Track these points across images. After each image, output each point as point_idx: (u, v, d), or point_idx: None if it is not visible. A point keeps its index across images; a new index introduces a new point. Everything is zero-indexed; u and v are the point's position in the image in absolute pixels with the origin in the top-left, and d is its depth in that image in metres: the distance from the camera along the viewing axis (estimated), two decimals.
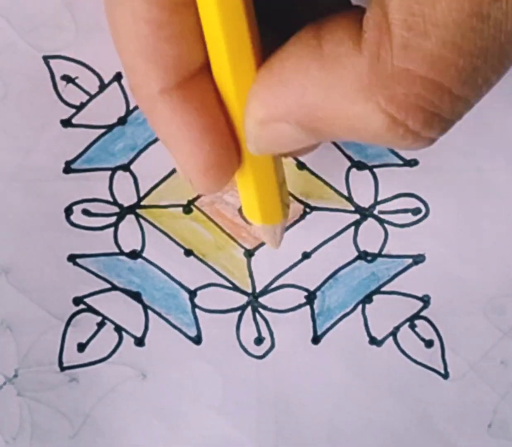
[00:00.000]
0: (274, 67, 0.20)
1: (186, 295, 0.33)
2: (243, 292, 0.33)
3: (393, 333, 0.33)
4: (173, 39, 0.21)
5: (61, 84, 0.32)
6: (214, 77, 0.22)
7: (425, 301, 0.33)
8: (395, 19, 0.18)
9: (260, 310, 0.33)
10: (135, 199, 0.33)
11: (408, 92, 0.19)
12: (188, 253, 0.33)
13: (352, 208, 0.33)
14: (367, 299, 0.33)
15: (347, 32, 0.19)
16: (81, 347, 0.33)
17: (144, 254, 0.33)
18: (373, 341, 0.33)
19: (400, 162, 0.33)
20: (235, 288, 0.33)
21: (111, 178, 0.33)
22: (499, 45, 0.18)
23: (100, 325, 0.33)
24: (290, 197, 0.33)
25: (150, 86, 0.22)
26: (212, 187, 0.24)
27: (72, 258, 0.33)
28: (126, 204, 0.33)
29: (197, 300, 0.33)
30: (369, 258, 0.33)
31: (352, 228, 0.33)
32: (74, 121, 0.32)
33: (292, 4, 0.24)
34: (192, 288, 0.33)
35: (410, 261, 0.33)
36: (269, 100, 0.20)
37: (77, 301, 0.33)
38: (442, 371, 0.33)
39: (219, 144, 0.23)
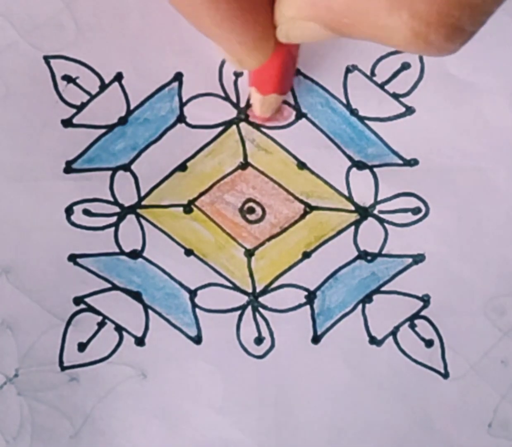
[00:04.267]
0: None
1: (186, 295, 0.33)
2: (243, 292, 0.33)
3: (393, 333, 0.33)
4: None
5: (61, 84, 0.32)
6: None
7: (425, 300, 0.33)
8: None
9: (260, 309, 0.33)
10: (135, 199, 0.33)
11: (430, 7, 0.19)
12: (189, 252, 0.33)
13: (352, 208, 0.33)
14: (367, 298, 0.33)
15: None
16: (82, 347, 0.33)
17: (144, 254, 0.33)
18: (373, 340, 0.33)
19: (400, 162, 0.33)
20: (235, 288, 0.33)
21: (112, 178, 0.33)
22: None
23: (101, 324, 0.33)
24: (290, 197, 0.33)
25: None
26: (261, 62, 0.27)
27: (72, 258, 0.33)
28: (126, 204, 0.33)
29: (197, 300, 0.33)
30: (369, 258, 0.33)
31: (352, 228, 0.33)
32: (74, 121, 0.32)
33: None
34: (192, 287, 0.33)
35: (410, 260, 0.33)
36: (299, 2, 0.22)
37: (77, 300, 0.33)
38: (442, 371, 0.33)
39: (265, 23, 0.25)
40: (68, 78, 0.32)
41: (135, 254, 0.33)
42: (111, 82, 0.32)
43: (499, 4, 0.21)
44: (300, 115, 0.33)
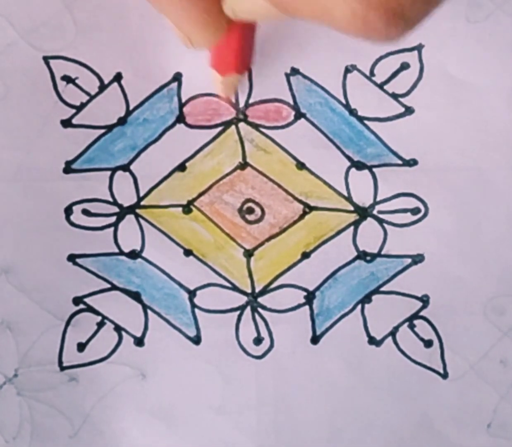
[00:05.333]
0: None
1: (185, 295, 0.33)
2: (243, 292, 0.33)
3: (392, 333, 0.33)
4: None
5: (61, 84, 0.32)
6: None
7: (425, 300, 0.33)
8: None
9: (260, 310, 0.33)
10: (134, 200, 0.33)
11: None
12: (188, 253, 0.33)
13: (352, 208, 0.33)
14: (367, 298, 0.33)
15: None
16: (81, 347, 0.33)
17: (143, 254, 0.33)
18: (372, 340, 0.33)
19: (400, 162, 0.33)
20: (235, 288, 0.33)
21: (111, 179, 0.33)
22: None
23: (100, 324, 0.33)
24: (289, 197, 0.33)
25: None
26: (211, 42, 0.27)
27: (72, 258, 0.33)
28: (126, 205, 0.33)
29: (196, 300, 0.33)
30: (368, 258, 0.33)
31: (352, 228, 0.33)
32: (74, 121, 0.32)
33: None
34: (191, 288, 0.33)
35: (409, 260, 0.33)
36: None
37: (77, 300, 0.33)
38: (442, 371, 0.33)
39: (216, 2, 0.25)
40: (67, 79, 0.32)
41: (134, 254, 0.33)
42: (110, 82, 0.32)
43: None
44: (299, 115, 0.33)
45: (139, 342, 0.33)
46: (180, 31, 0.26)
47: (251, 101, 0.33)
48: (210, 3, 0.25)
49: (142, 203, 0.33)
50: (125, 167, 0.33)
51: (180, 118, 0.33)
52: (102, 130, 0.33)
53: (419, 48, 0.33)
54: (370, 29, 0.20)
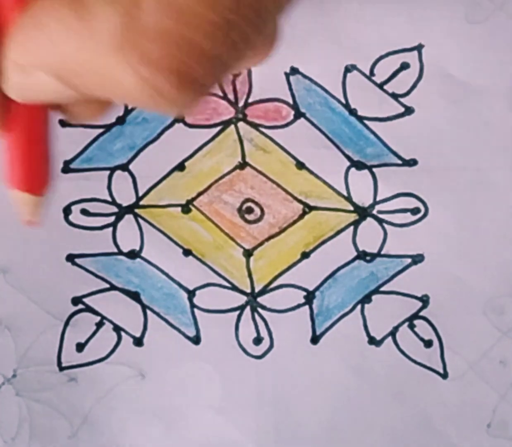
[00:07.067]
0: (35, 11, 0.19)
1: (185, 295, 0.33)
2: (242, 292, 0.33)
3: (392, 333, 0.33)
4: None
5: None
6: None
7: (424, 301, 0.33)
8: None
9: (259, 309, 0.33)
10: (133, 199, 0.33)
11: (160, 50, 0.17)
12: (187, 252, 0.33)
13: (351, 208, 0.33)
14: (366, 298, 0.33)
15: None
16: (80, 347, 0.33)
17: (142, 254, 0.33)
18: (372, 341, 0.33)
19: (399, 162, 0.33)
20: (234, 288, 0.33)
21: (110, 178, 0.33)
22: (256, 0, 0.17)
23: (99, 324, 0.33)
24: (289, 197, 0.33)
25: None
26: None
27: (70, 258, 0.33)
28: (124, 204, 0.33)
29: (196, 300, 0.33)
30: (368, 258, 0.33)
31: (351, 228, 0.33)
32: None
33: None
34: (191, 287, 0.33)
35: (409, 260, 0.33)
36: (26, 45, 0.19)
37: (75, 300, 0.33)
38: (441, 371, 0.33)
39: None
40: None
41: (133, 254, 0.33)
42: None
43: (236, 58, 0.19)
44: (298, 114, 0.33)
45: (138, 342, 0.33)
46: None
47: (250, 100, 0.33)
48: None
49: (141, 203, 0.33)
50: (124, 167, 0.33)
51: (179, 118, 0.33)
52: (101, 130, 0.32)
53: (419, 48, 0.33)
54: (160, 95, 0.18)
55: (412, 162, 0.33)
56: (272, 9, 0.18)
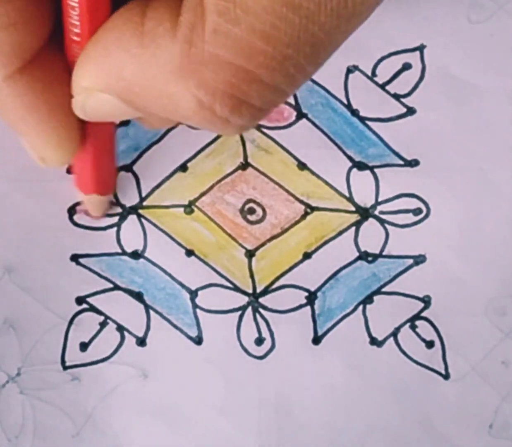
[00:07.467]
0: (100, 38, 0.20)
1: (187, 295, 0.33)
2: (244, 292, 0.33)
3: (394, 334, 0.33)
4: (9, 27, 0.20)
5: None
6: (67, 53, 0.22)
7: (426, 301, 0.33)
8: (208, 3, 0.18)
9: (261, 310, 0.33)
10: (137, 200, 0.33)
11: (217, 77, 0.18)
12: (190, 253, 0.33)
13: (353, 209, 0.33)
14: (368, 299, 0.33)
15: (168, 11, 0.19)
16: (84, 346, 0.33)
17: (146, 254, 0.33)
18: (373, 341, 0.33)
19: (401, 162, 0.33)
20: (236, 288, 0.33)
21: None
22: (312, 35, 0.18)
23: (102, 324, 0.33)
24: (291, 198, 0.33)
25: None
26: (64, 161, 0.25)
27: (75, 258, 0.33)
28: (128, 205, 0.33)
29: (198, 300, 0.33)
30: (370, 258, 0.33)
31: (353, 228, 0.33)
32: None
33: None
34: (193, 288, 0.33)
35: (411, 261, 0.33)
36: (92, 71, 0.20)
37: (79, 300, 0.33)
38: (443, 372, 0.33)
39: (67, 120, 0.23)
40: None
41: (136, 254, 0.33)
42: None
43: (293, 87, 0.20)
44: (300, 115, 0.33)
45: (141, 342, 0.33)
46: (32, 150, 0.25)
47: None
48: (65, 123, 0.23)
49: (145, 203, 0.33)
50: (128, 168, 0.33)
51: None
52: None
53: (421, 48, 0.33)
54: (217, 119, 0.19)
55: (414, 163, 0.33)
56: (328, 46, 0.19)
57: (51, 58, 0.22)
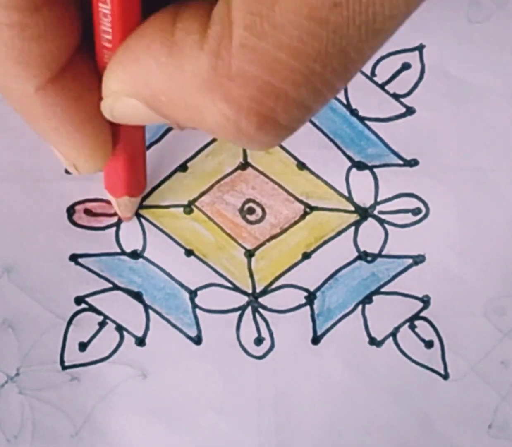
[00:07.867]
0: (130, 44, 0.20)
1: (186, 295, 0.33)
2: (243, 292, 0.33)
3: (393, 334, 0.33)
4: (40, 38, 0.20)
5: None
6: (98, 61, 0.22)
7: (425, 301, 0.33)
8: (236, 17, 0.17)
9: (260, 310, 0.33)
10: None
11: (243, 92, 0.18)
12: (189, 253, 0.33)
13: (352, 209, 0.33)
14: (367, 299, 0.33)
15: (198, 23, 0.19)
16: (83, 346, 0.33)
17: (145, 254, 0.33)
18: (373, 341, 0.33)
19: (401, 162, 0.33)
20: (235, 288, 0.33)
21: None
22: (340, 50, 0.18)
23: (102, 324, 0.33)
24: (290, 198, 0.33)
25: (25, 87, 0.22)
26: (98, 168, 0.25)
27: (74, 258, 0.33)
28: None
29: (197, 300, 0.33)
30: (369, 258, 0.33)
31: (352, 228, 0.33)
32: None
33: None
34: (192, 288, 0.33)
35: (410, 261, 0.33)
36: (120, 76, 0.21)
37: (78, 300, 0.33)
38: (442, 372, 0.33)
39: (99, 128, 0.24)
40: None
41: (136, 254, 0.33)
42: None
43: (321, 103, 0.19)
44: None
45: (141, 341, 0.33)
46: (65, 159, 0.25)
47: None
48: (98, 130, 0.24)
49: (144, 203, 0.33)
50: None
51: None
52: None
53: (420, 48, 0.33)
54: (242, 134, 0.19)
55: (413, 163, 0.33)
56: (356, 61, 0.18)
57: (80, 66, 0.23)
